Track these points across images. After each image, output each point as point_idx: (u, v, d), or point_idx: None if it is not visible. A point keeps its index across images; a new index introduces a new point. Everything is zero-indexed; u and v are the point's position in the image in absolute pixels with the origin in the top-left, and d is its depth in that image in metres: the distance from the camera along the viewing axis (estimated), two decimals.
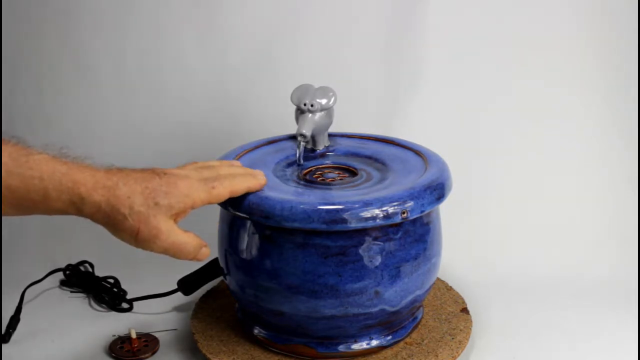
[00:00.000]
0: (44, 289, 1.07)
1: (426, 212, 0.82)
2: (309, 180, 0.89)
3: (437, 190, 0.83)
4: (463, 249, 1.09)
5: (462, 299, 0.99)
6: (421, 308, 0.95)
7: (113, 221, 0.71)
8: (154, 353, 0.92)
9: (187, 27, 1.19)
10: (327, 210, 0.78)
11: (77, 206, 0.70)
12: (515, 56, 1.17)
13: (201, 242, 0.77)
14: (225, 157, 0.91)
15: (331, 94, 0.93)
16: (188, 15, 1.19)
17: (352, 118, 1.08)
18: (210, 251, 0.79)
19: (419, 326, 0.93)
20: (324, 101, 0.92)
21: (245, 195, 0.81)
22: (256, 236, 0.83)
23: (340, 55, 1.19)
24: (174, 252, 0.75)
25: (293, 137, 0.97)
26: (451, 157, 0.92)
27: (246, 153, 0.94)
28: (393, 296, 0.84)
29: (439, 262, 0.90)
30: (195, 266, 1.01)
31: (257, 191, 0.81)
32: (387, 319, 0.86)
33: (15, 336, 0.96)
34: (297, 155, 0.93)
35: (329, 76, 1.07)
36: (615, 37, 1.16)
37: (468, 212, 1.14)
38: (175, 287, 1.01)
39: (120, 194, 0.71)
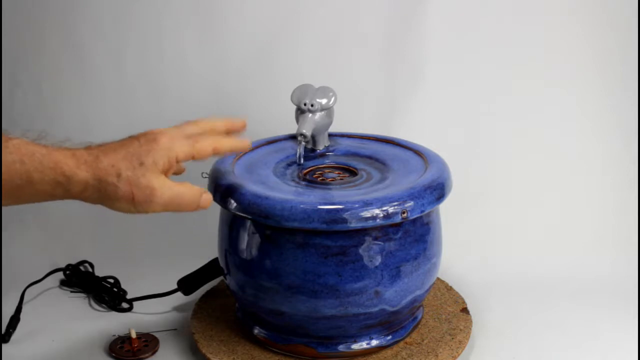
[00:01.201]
0: (44, 289, 1.07)
1: (426, 212, 0.83)
2: (309, 180, 0.89)
3: (437, 190, 0.83)
4: (463, 249, 1.09)
5: (462, 299, 0.99)
6: (421, 308, 0.95)
7: (105, 193, 0.70)
8: (154, 353, 0.92)
9: (187, 28, 1.19)
10: (327, 210, 0.78)
11: (64, 186, 0.69)
12: (515, 56, 1.17)
13: (200, 189, 0.76)
14: (225, 157, 0.91)
15: (331, 94, 0.93)
16: (188, 16, 1.19)
17: (352, 118, 1.08)
18: (211, 202, 0.78)
19: (419, 326, 0.93)
20: (324, 101, 0.92)
21: (245, 195, 0.81)
22: (256, 236, 0.83)
23: (340, 55, 1.19)
24: (176, 206, 0.74)
25: (293, 137, 0.97)
26: (451, 157, 0.92)
27: (246, 153, 0.94)
28: (393, 296, 0.84)
29: (439, 262, 0.90)
30: (195, 266, 1.01)
31: (241, 151, 0.79)
32: (387, 319, 0.86)
33: (15, 336, 0.96)
34: (297, 155, 0.93)
35: (329, 76, 1.07)
36: (615, 37, 1.16)
37: (468, 212, 1.14)
38: (175, 287, 1.01)
39: (104, 165, 0.70)
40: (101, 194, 0.70)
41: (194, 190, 0.75)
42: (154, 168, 0.72)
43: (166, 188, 0.72)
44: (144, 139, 0.73)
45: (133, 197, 0.71)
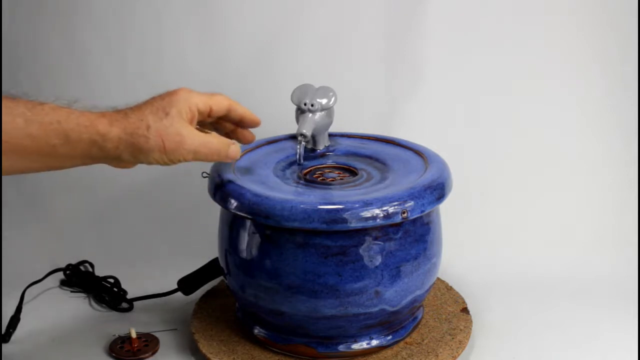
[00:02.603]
0: (44, 289, 1.07)
1: (426, 212, 0.83)
2: (309, 180, 0.89)
3: (437, 190, 0.83)
4: (463, 249, 1.09)
5: (462, 299, 0.99)
6: (421, 308, 0.95)
7: (137, 146, 0.74)
8: (154, 353, 0.92)
9: (187, 28, 1.19)
10: (327, 210, 0.78)
11: (99, 144, 0.73)
12: (515, 56, 1.17)
13: (228, 140, 0.81)
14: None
15: (331, 94, 0.93)
16: (188, 16, 1.19)
17: (352, 118, 1.08)
18: (239, 154, 0.82)
19: (419, 326, 0.93)
20: (324, 101, 0.92)
21: (245, 195, 0.81)
22: (256, 236, 0.83)
23: (340, 55, 1.19)
24: (206, 153, 0.78)
25: (293, 137, 0.97)
26: (451, 157, 0.92)
27: (246, 153, 0.94)
28: (393, 296, 0.84)
29: (439, 262, 0.90)
30: (195, 266, 1.01)
31: (252, 122, 0.85)
32: (387, 319, 0.86)
33: (15, 336, 0.96)
34: (297, 155, 0.93)
35: (329, 76, 1.07)
36: (615, 37, 1.16)
37: (468, 212, 1.14)
38: (175, 287, 1.01)
39: (133, 120, 0.74)
40: (134, 148, 0.74)
41: (222, 139, 0.80)
42: (179, 117, 0.76)
43: (195, 135, 0.77)
44: (165, 94, 0.78)
45: (164, 146, 0.75)
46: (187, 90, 0.79)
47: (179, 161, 0.77)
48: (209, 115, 0.82)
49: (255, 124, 0.87)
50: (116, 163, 0.77)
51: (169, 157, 0.76)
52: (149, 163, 0.77)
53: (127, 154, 0.75)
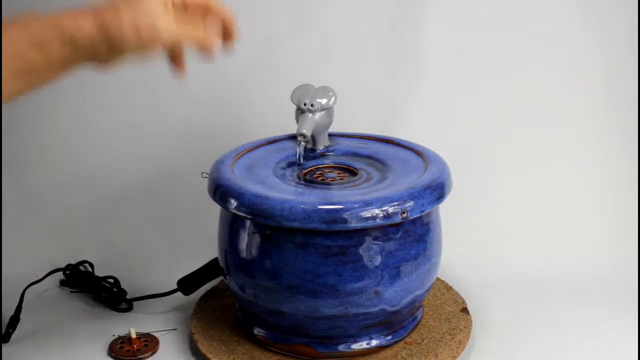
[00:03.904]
0: (44, 289, 1.07)
1: (426, 212, 0.83)
2: (309, 180, 0.89)
3: (437, 190, 0.83)
4: (463, 249, 1.09)
5: (462, 299, 0.99)
6: (421, 308, 0.95)
7: (112, 39, 0.70)
8: (154, 353, 0.92)
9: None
10: (327, 210, 0.78)
11: (71, 41, 0.69)
12: (515, 56, 1.17)
13: (207, 33, 0.77)
14: (225, 157, 0.91)
15: (331, 93, 0.93)
16: None
17: (352, 118, 1.08)
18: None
19: (419, 326, 0.93)
20: (324, 101, 0.92)
21: (245, 195, 0.81)
22: (256, 236, 0.83)
23: (341, 55, 1.19)
24: (183, 36, 0.74)
25: (293, 137, 0.97)
26: (451, 157, 0.92)
27: (246, 153, 0.94)
28: (393, 296, 0.84)
29: (439, 262, 0.90)
30: (195, 266, 1.01)
31: (228, 23, 0.80)
32: (387, 319, 0.86)
33: (15, 336, 0.96)
34: (297, 155, 0.93)
35: (329, 76, 1.07)
36: (615, 37, 1.16)
37: (468, 212, 1.14)
38: (175, 287, 1.01)
39: (103, 10, 0.70)
40: (109, 41, 0.70)
41: (200, 32, 0.76)
42: (154, 4, 0.71)
43: (170, 25, 0.72)
44: None
45: (139, 33, 0.70)
46: None
47: (157, 49, 0.73)
48: (185, 7, 0.76)
49: (231, 24, 0.81)
50: (97, 63, 0.73)
51: (146, 45, 0.71)
52: (127, 57, 0.72)
53: (102, 47, 0.70)
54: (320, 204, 0.79)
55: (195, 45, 0.75)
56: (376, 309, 0.83)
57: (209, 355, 0.88)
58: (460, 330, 0.92)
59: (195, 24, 0.78)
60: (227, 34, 0.81)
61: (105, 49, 0.71)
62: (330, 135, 0.98)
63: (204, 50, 0.76)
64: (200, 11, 0.77)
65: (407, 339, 0.90)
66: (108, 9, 0.70)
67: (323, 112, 0.92)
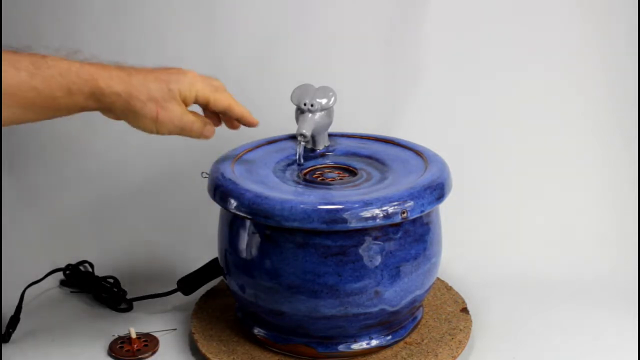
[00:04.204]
0: (44, 289, 1.07)
1: (426, 212, 0.83)
2: (309, 180, 0.89)
3: (437, 190, 0.83)
4: (463, 249, 1.09)
5: (462, 299, 0.99)
6: (421, 308, 0.95)
7: (133, 108, 0.78)
8: (154, 353, 0.92)
9: (187, 28, 1.19)
10: (327, 210, 0.78)
11: (97, 97, 0.77)
12: (515, 56, 1.17)
13: (205, 120, 0.85)
14: (226, 157, 0.91)
15: (331, 94, 0.93)
16: (188, 15, 1.19)
17: (352, 118, 1.08)
18: (214, 133, 0.86)
19: (419, 326, 0.93)
20: (324, 101, 0.92)
21: (245, 195, 0.81)
22: (256, 236, 0.83)
23: (341, 55, 1.18)
24: (188, 131, 0.83)
25: (293, 137, 0.97)
26: (451, 157, 0.92)
27: (246, 153, 0.94)
28: (393, 296, 0.84)
29: (439, 262, 0.90)
30: (195, 266, 1.01)
31: (249, 124, 0.88)
32: (387, 319, 0.86)
33: (15, 336, 0.96)
34: (297, 155, 0.93)
35: (329, 76, 1.07)
36: (615, 37, 1.16)
37: (468, 212, 1.14)
38: (175, 287, 1.01)
39: (136, 83, 0.78)
40: (129, 107, 0.78)
41: (201, 119, 0.84)
42: (177, 95, 0.80)
43: (184, 114, 0.82)
44: (174, 69, 0.82)
45: (157, 117, 0.79)
46: (194, 75, 0.83)
47: (163, 133, 0.81)
48: (204, 108, 0.85)
49: (252, 125, 0.88)
50: (105, 113, 0.80)
51: (157, 127, 0.80)
52: (135, 126, 0.81)
53: (119, 111, 0.78)
54: (320, 204, 0.79)
55: (196, 133, 0.84)
56: (376, 309, 0.83)
57: (209, 355, 0.88)
58: (460, 330, 0.92)
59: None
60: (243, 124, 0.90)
61: (121, 114, 0.79)
62: (330, 135, 0.98)
63: (200, 136, 0.85)
64: (219, 111, 0.86)
65: (407, 339, 0.90)
66: (140, 84, 0.78)
67: (323, 112, 0.92)
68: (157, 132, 0.81)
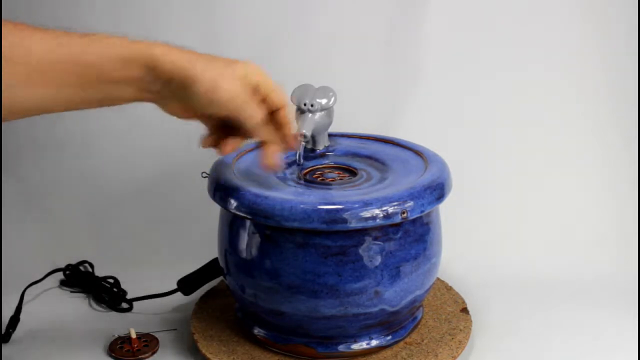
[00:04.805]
0: (44, 289, 1.07)
1: (426, 212, 0.83)
2: (309, 180, 0.89)
3: (437, 190, 0.83)
4: (463, 249, 1.09)
5: (462, 299, 0.99)
6: (421, 308, 0.95)
7: (191, 75, 0.73)
8: (154, 353, 0.92)
9: (187, 27, 1.19)
10: (327, 210, 0.78)
11: (152, 67, 0.72)
12: (515, 56, 1.17)
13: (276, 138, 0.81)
14: (226, 157, 0.91)
15: (331, 94, 0.93)
16: (188, 15, 1.19)
17: (352, 118, 1.08)
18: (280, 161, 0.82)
19: (419, 326, 0.93)
20: (324, 101, 0.92)
21: (245, 195, 0.81)
22: (256, 236, 0.83)
23: (341, 55, 1.18)
24: (242, 111, 0.76)
25: None
26: (451, 157, 0.92)
27: (246, 153, 0.94)
28: (393, 296, 0.84)
29: (439, 262, 0.90)
30: (195, 266, 1.01)
31: (291, 140, 0.83)
32: (387, 319, 0.86)
33: (15, 336, 0.96)
34: (297, 155, 0.92)
35: (329, 76, 1.07)
36: (615, 37, 1.16)
37: (468, 212, 1.14)
38: (175, 287, 1.01)
39: (193, 54, 0.74)
40: (187, 75, 0.73)
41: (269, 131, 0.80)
42: (239, 73, 0.75)
43: (244, 92, 0.76)
44: (242, 60, 0.77)
45: (216, 87, 0.73)
46: (258, 67, 0.78)
47: (212, 111, 0.76)
48: (261, 100, 0.79)
49: (290, 146, 0.83)
50: (156, 93, 0.75)
51: (211, 99, 0.74)
52: (188, 97, 0.74)
53: (175, 82, 0.73)
54: (320, 204, 0.79)
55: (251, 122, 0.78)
56: (376, 309, 0.83)
57: (209, 355, 0.88)
58: (460, 330, 0.92)
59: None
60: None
61: (179, 83, 0.73)
62: (330, 135, 0.98)
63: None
64: (273, 108, 0.80)
65: (407, 339, 0.90)
66: (201, 56, 0.74)
67: (323, 112, 0.92)
68: (207, 109, 0.76)
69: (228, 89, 0.74)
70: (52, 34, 0.70)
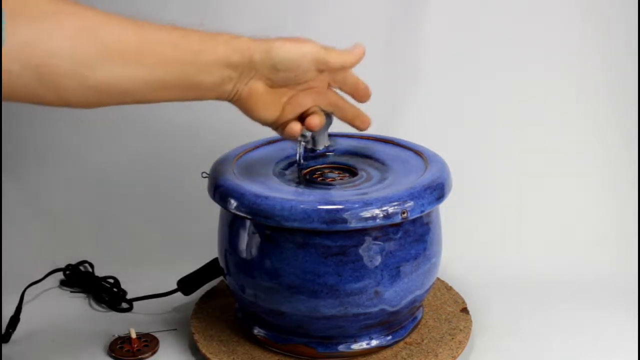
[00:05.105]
0: (44, 289, 1.07)
1: (426, 212, 0.83)
2: (309, 180, 0.89)
3: (437, 190, 0.83)
4: (463, 249, 1.09)
5: (462, 299, 0.99)
6: (421, 308, 0.95)
7: (275, 55, 0.76)
8: (154, 353, 0.92)
9: (187, 27, 1.19)
10: (327, 210, 0.78)
11: (237, 46, 0.75)
12: (515, 56, 1.17)
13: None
14: (225, 157, 0.91)
15: None
16: (188, 15, 1.19)
17: None
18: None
19: (419, 326, 0.93)
20: None
21: (245, 195, 0.81)
22: (256, 236, 0.83)
23: None
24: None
25: None
26: (451, 157, 0.92)
27: (246, 153, 0.94)
28: (393, 296, 0.84)
29: (439, 262, 0.90)
30: (195, 266, 1.01)
31: (362, 90, 0.89)
32: (387, 319, 0.86)
33: (15, 336, 0.96)
34: (297, 155, 0.92)
35: None
36: (615, 37, 1.16)
37: (468, 212, 1.14)
38: (175, 287, 1.01)
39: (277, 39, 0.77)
40: (280, 46, 0.77)
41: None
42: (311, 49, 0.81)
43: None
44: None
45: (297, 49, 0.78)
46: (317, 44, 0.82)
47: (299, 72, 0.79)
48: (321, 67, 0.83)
49: (363, 96, 0.88)
50: (239, 74, 0.78)
51: (294, 55, 0.78)
52: (273, 77, 0.78)
53: (261, 70, 0.77)
54: (320, 204, 0.79)
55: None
56: (376, 309, 0.83)
57: (209, 355, 0.88)
58: (460, 330, 0.92)
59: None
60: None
61: (267, 53, 0.76)
62: (330, 135, 0.98)
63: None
64: (335, 70, 0.85)
65: (407, 339, 0.90)
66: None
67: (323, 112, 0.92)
68: (290, 68, 0.78)
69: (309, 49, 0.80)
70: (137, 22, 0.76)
